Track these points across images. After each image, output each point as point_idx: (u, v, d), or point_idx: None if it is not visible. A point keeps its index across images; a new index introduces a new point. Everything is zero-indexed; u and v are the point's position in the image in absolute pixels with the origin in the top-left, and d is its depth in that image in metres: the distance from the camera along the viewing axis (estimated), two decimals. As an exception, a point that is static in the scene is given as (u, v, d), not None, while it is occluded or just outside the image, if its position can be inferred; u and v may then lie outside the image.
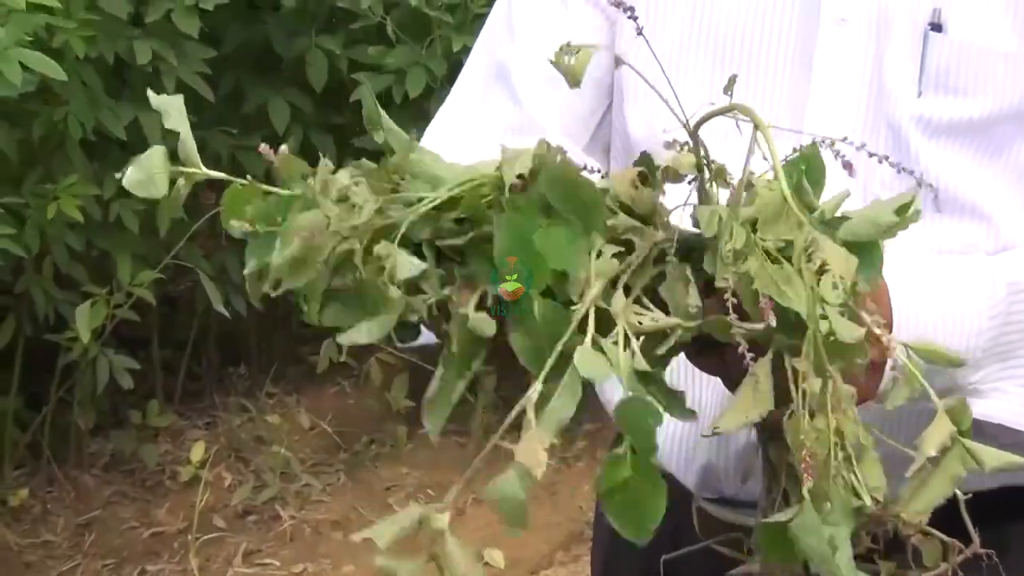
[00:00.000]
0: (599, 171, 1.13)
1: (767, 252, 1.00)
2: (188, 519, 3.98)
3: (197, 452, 4.20)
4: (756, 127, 1.02)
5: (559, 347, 0.96)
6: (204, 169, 1.05)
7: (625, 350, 0.97)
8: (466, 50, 3.54)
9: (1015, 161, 1.43)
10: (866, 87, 1.42)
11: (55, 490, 4.08)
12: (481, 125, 1.54)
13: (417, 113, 3.65)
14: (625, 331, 0.98)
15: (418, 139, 1.13)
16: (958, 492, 1.04)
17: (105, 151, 3.65)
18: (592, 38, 1.54)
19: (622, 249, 1.02)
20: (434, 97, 3.68)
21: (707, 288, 1.03)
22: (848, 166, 1.06)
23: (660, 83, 1.37)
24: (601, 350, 0.97)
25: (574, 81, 1.06)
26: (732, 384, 1.06)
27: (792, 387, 0.99)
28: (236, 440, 4.37)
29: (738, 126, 1.07)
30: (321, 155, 1.06)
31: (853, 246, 1.02)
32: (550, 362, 0.95)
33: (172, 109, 1.06)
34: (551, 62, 1.07)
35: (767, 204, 1.02)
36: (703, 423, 1.09)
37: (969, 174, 1.42)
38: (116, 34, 3.48)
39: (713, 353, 1.06)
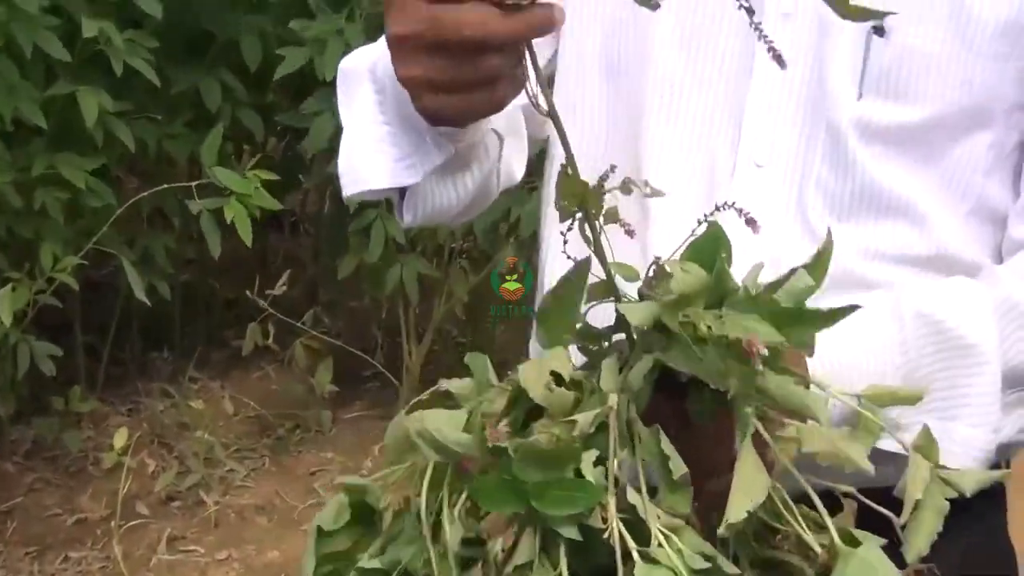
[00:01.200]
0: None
1: (696, 333, 1.00)
2: (111, 506, 3.95)
3: (120, 438, 4.13)
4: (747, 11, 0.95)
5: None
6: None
7: (671, 549, 0.97)
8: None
9: (948, 166, 1.43)
10: (806, 86, 1.41)
11: None
12: None
13: None
14: (662, 532, 0.98)
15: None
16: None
17: (27, 139, 3.61)
18: None
19: (598, 452, 1.01)
20: None
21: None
22: (752, 223, 1.04)
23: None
24: (653, 560, 0.96)
25: None
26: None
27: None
28: (159, 426, 4.36)
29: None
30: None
31: (784, 317, 1.03)
32: None
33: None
34: None
35: (686, 284, 1.02)
36: None
37: (904, 178, 1.42)
38: (30, 24, 3.41)
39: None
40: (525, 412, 1.06)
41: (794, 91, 1.42)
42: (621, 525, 0.97)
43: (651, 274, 1.04)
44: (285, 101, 3.99)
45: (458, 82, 1.05)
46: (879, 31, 1.40)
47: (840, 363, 1.25)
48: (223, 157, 3.70)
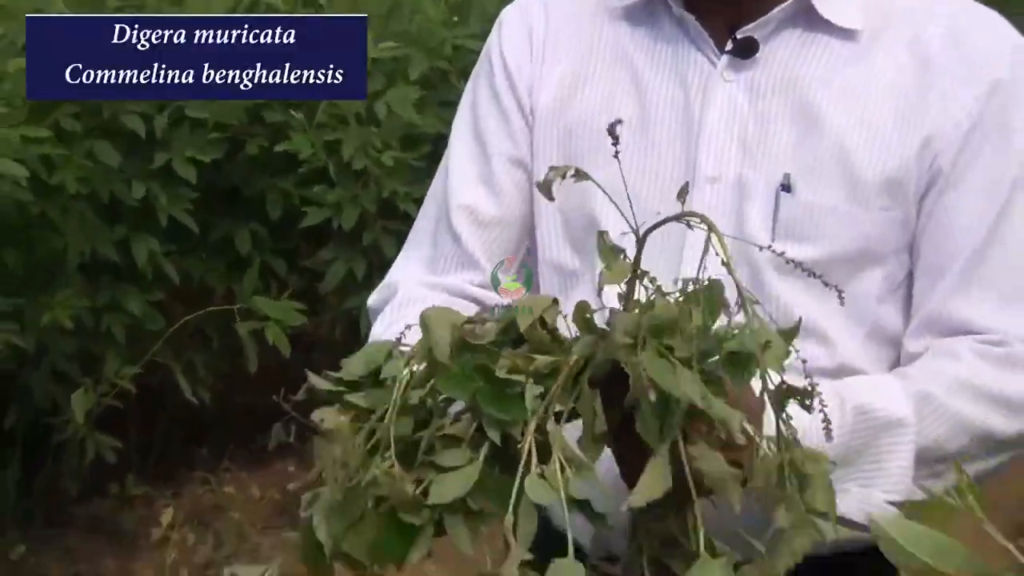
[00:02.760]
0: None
1: (659, 351, 1.01)
2: (159, 574, 4.02)
3: (166, 517, 4.23)
4: (710, 230, 1.06)
5: (516, 481, 1.01)
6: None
7: (562, 475, 1.01)
8: (394, 193, 3.79)
9: (848, 294, 1.38)
10: (731, 233, 1.42)
11: (47, 547, 4.07)
12: (436, 264, 1.58)
13: (353, 239, 3.75)
14: (560, 459, 1.01)
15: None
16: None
17: (101, 271, 3.71)
18: (511, 188, 1.60)
19: (541, 389, 1.05)
20: (367, 228, 3.80)
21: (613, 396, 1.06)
22: None
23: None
24: (544, 477, 1.01)
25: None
26: (626, 467, 1.11)
27: (687, 470, 1.02)
28: (199, 507, 4.37)
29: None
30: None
31: (735, 356, 1.04)
32: (514, 496, 1.00)
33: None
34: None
35: (664, 316, 1.04)
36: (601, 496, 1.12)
37: (811, 305, 1.45)
38: (108, 177, 3.55)
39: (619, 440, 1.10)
40: (512, 342, 1.10)
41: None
42: (533, 443, 1.02)
43: (651, 296, 1.06)
44: (307, 246, 4.04)
45: None
46: (786, 188, 1.45)
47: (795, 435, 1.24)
48: (256, 289, 3.83)
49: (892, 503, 1.22)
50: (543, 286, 1.56)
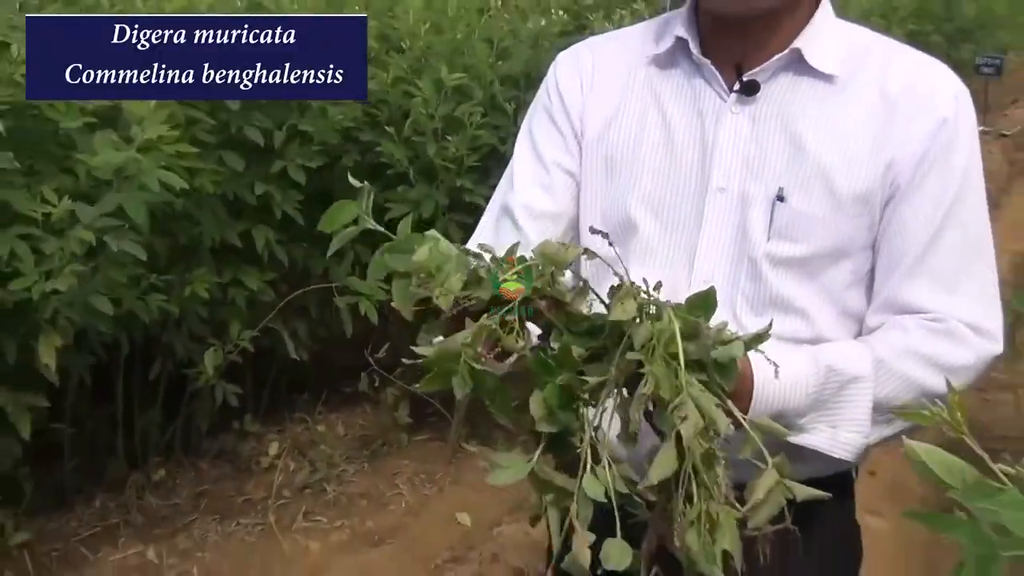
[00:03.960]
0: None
1: (665, 360, 1.06)
2: (267, 491, 4.35)
3: (273, 448, 4.57)
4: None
5: (578, 484, 1.05)
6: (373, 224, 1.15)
7: (610, 470, 1.04)
8: (463, 188, 4.18)
9: (824, 282, 1.54)
10: (735, 233, 1.53)
11: (182, 471, 4.40)
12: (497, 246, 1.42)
13: (426, 230, 3.98)
14: (608, 460, 1.05)
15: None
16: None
17: (227, 255, 3.98)
18: (563, 190, 1.67)
19: (594, 412, 1.08)
20: (438, 220, 4.11)
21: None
22: None
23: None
24: (595, 475, 1.04)
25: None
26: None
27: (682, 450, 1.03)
28: (298, 441, 4.68)
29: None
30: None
31: (718, 364, 1.09)
32: (577, 492, 1.04)
33: (362, 193, 1.15)
34: None
35: (670, 329, 1.07)
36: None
37: (796, 290, 1.53)
38: (235, 180, 3.80)
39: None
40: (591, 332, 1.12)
41: (727, 237, 1.52)
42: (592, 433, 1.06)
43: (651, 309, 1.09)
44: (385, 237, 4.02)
45: None
46: (781, 199, 1.50)
47: (780, 386, 1.36)
48: (348, 271, 4.08)
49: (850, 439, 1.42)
50: (583, 272, 1.51)
